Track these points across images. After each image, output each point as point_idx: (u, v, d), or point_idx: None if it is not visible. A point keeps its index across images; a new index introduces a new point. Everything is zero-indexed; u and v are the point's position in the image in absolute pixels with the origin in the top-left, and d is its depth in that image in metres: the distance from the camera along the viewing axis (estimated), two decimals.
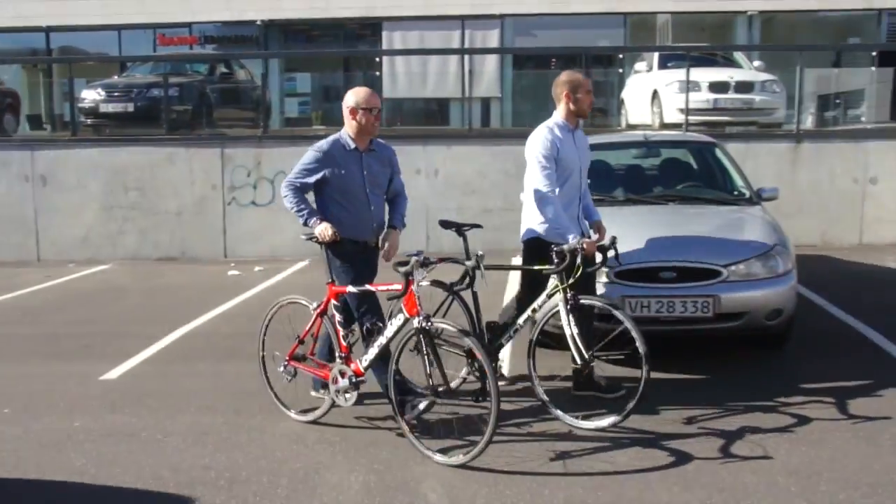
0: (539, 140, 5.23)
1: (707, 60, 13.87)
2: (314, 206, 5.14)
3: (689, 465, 4.36)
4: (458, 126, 14.77)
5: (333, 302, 4.93)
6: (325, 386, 5.05)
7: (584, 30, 19.49)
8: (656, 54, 14.55)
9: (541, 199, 5.14)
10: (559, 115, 5.33)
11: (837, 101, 15.35)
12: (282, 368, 5.16)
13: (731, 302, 5.60)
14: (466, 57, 17.15)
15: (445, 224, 5.66)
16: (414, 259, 4.46)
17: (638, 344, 4.65)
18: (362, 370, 4.81)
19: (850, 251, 10.73)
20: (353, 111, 5.01)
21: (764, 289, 5.76)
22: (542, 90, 18.45)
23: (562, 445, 4.64)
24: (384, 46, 20.35)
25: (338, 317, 4.91)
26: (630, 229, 6.01)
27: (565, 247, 4.85)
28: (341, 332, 4.90)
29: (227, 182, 11.56)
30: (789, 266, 5.97)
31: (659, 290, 5.70)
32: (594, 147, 8.38)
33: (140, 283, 10.07)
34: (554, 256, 4.85)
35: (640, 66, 14.66)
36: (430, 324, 4.46)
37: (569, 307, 4.83)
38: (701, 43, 17.69)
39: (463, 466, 4.34)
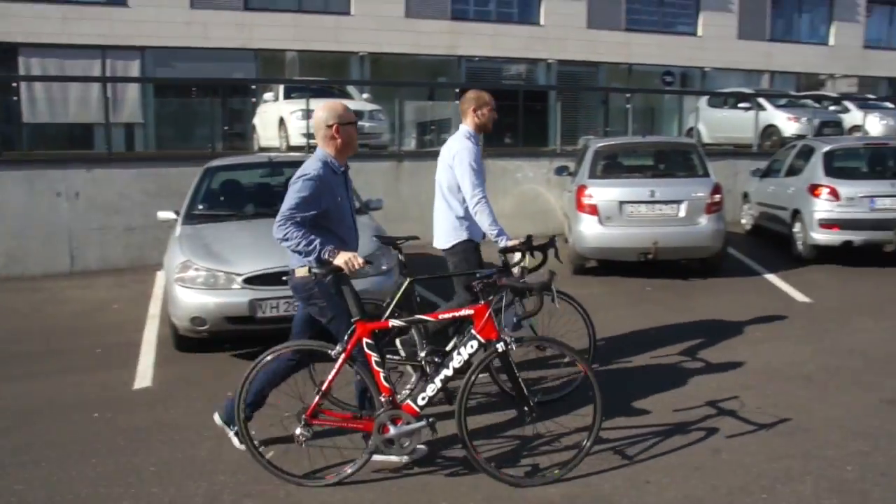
0: (467, 148, 5.14)
1: (325, 92, 14.47)
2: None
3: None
4: (101, 150, 13.76)
5: (366, 341, 3.98)
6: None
7: (221, 62, 19.30)
8: (282, 86, 14.86)
9: (478, 203, 5.07)
10: (468, 127, 5.29)
11: (432, 127, 16.77)
12: (298, 430, 3.99)
13: None
14: (108, 84, 16.01)
15: (383, 240, 5.53)
16: (549, 271, 3.92)
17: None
18: (418, 410, 3.93)
19: None
20: (337, 129, 4.21)
21: (371, 283, 6.19)
22: (184, 116, 17.88)
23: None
24: (21, 72, 18.28)
25: (374, 356, 3.97)
26: (258, 240, 6.20)
27: (545, 242, 4.93)
28: (381, 374, 3.96)
29: None
30: (392, 264, 6.49)
31: (286, 291, 5.87)
32: (226, 168, 8.43)
33: None
34: (523, 251, 4.87)
35: (268, 96, 14.86)
36: (514, 346, 3.87)
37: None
38: (321, 77, 18.35)
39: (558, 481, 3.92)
